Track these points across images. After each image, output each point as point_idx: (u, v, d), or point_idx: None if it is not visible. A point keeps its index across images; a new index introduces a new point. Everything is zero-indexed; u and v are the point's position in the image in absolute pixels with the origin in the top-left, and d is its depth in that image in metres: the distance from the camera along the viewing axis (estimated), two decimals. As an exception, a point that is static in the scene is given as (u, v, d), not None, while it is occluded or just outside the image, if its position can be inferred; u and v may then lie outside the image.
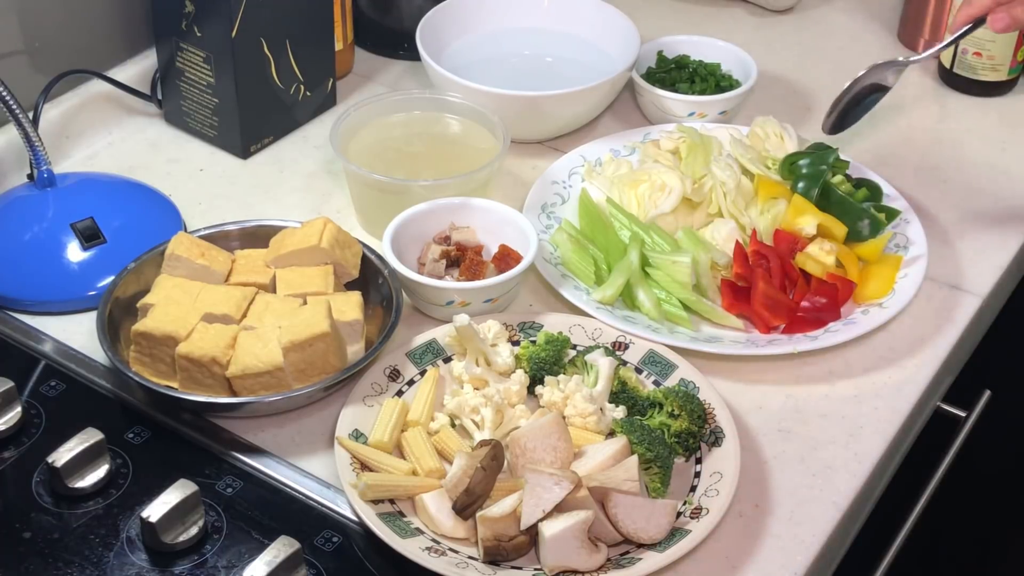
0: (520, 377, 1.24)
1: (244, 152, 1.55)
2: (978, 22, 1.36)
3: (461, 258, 1.35)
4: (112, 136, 1.58)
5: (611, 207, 1.42)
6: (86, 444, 1.14)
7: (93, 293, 1.33)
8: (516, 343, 1.29)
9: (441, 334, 1.28)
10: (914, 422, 1.30)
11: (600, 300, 1.33)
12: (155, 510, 1.08)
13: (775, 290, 1.33)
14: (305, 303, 1.26)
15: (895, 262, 1.38)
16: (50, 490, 1.14)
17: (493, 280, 1.30)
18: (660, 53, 1.66)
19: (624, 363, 1.27)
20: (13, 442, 1.19)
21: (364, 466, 1.16)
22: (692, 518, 1.13)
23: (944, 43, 1.41)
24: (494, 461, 1.13)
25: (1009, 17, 1.32)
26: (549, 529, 1.08)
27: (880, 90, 1.44)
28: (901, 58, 1.43)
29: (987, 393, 1.44)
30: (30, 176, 1.41)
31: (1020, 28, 1.33)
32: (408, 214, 1.36)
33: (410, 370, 1.26)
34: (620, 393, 1.23)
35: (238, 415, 1.23)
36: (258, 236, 1.36)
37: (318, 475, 1.18)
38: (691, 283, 1.34)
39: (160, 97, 1.58)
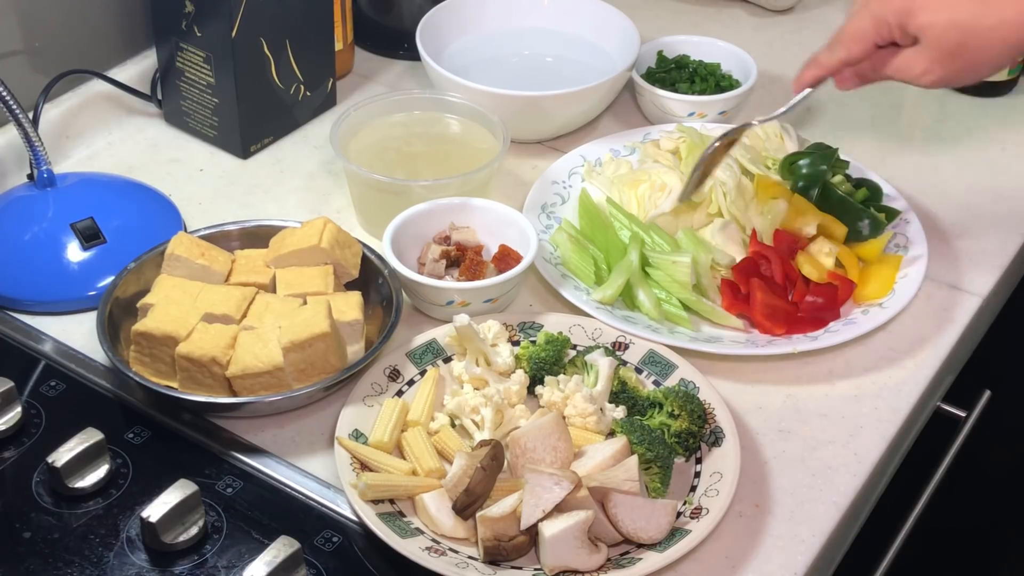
0: (520, 377, 1.24)
1: (244, 152, 1.55)
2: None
3: (461, 258, 1.35)
4: (112, 136, 1.58)
5: (611, 207, 1.42)
6: (86, 444, 1.14)
7: (93, 293, 1.33)
8: (516, 343, 1.29)
9: (441, 334, 1.28)
10: (914, 422, 1.30)
11: (600, 300, 1.33)
12: (155, 510, 1.08)
13: (773, 297, 1.33)
14: (305, 303, 1.26)
15: (895, 262, 1.38)
16: (50, 490, 1.14)
17: (493, 280, 1.30)
18: (660, 53, 1.66)
19: (624, 363, 1.27)
20: (13, 442, 1.19)
21: (364, 466, 1.16)
22: (692, 518, 1.13)
23: (787, 106, 1.34)
24: (494, 461, 1.13)
25: (857, 77, 1.29)
26: (549, 529, 1.08)
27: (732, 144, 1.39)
28: (754, 121, 1.37)
29: (987, 393, 1.44)
30: (30, 176, 1.41)
31: (867, 84, 1.29)
32: (408, 214, 1.36)
33: (410, 370, 1.26)
34: (620, 393, 1.23)
35: (238, 415, 1.23)
36: (258, 236, 1.36)
37: (318, 475, 1.18)
38: (691, 283, 1.34)
39: (160, 97, 1.58)
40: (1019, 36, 1.18)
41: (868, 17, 1.23)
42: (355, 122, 1.47)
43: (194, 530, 1.10)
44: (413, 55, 1.62)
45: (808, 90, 1.31)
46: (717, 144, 1.36)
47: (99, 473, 1.15)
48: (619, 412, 1.22)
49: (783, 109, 1.34)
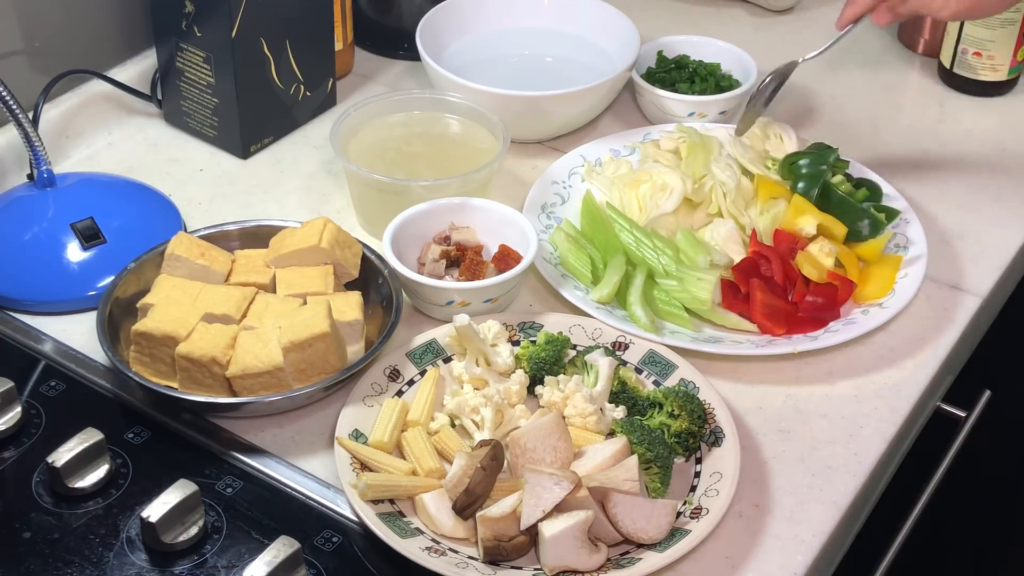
0: (520, 377, 1.24)
1: (244, 152, 1.55)
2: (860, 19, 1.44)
3: (461, 258, 1.35)
4: (112, 136, 1.58)
5: (612, 212, 1.41)
6: (86, 444, 1.14)
7: (93, 293, 1.33)
8: (516, 343, 1.29)
9: (441, 334, 1.28)
10: (914, 422, 1.30)
11: (597, 300, 1.33)
12: (155, 510, 1.08)
13: (773, 297, 1.33)
14: (305, 303, 1.26)
15: (895, 262, 1.38)
16: (50, 490, 1.14)
17: (493, 280, 1.30)
18: (660, 53, 1.66)
19: (624, 363, 1.27)
20: (13, 442, 1.19)
21: (364, 466, 1.16)
22: (692, 518, 1.13)
23: (831, 42, 1.47)
24: (494, 461, 1.13)
25: (892, 13, 1.39)
26: (549, 529, 1.08)
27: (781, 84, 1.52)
28: (800, 59, 1.50)
29: (987, 393, 1.44)
30: (30, 176, 1.41)
31: (900, 20, 1.41)
32: (408, 214, 1.36)
33: (410, 370, 1.26)
34: (620, 393, 1.23)
35: (238, 415, 1.23)
36: (258, 236, 1.36)
37: (318, 475, 1.18)
38: (715, 300, 1.33)
39: (160, 97, 1.58)
40: None
41: None
42: (355, 122, 1.47)
43: (194, 530, 1.10)
44: (413, 55, 1.62)
45: (851, 26, 1.43)
46: (768, 80, 1.49)
47: (99, 473, 1.15)
48: (619, 412, 1.22)
49: (827, 45, 1.47)
